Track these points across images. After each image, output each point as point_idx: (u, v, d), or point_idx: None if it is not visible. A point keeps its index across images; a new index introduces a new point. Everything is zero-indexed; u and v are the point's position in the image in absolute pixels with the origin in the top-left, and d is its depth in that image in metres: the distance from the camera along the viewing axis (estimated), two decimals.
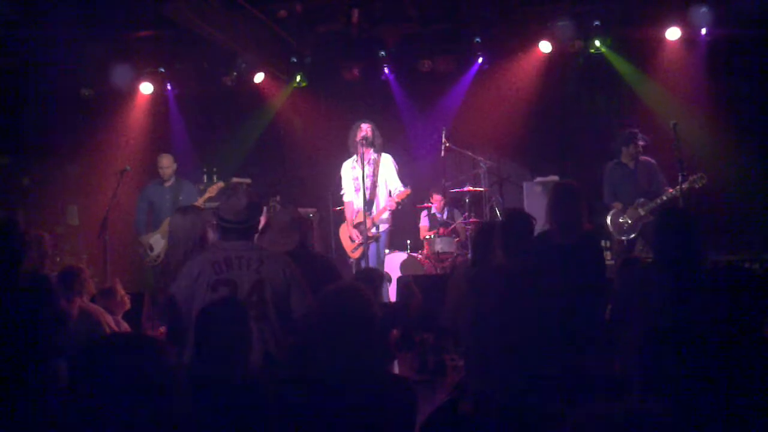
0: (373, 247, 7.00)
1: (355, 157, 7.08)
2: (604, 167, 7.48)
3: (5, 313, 3.31)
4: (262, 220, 4.77)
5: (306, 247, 4.66)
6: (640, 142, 7.21)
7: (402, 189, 7.11)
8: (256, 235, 4.13)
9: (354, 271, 6.92)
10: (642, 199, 7.14)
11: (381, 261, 7.21)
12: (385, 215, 7.15)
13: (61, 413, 2.48)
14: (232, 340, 2.87)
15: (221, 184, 7.95)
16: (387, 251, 8.13)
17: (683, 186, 6.80)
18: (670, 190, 6.98)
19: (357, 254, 7.17)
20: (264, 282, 3.61)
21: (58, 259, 8.55)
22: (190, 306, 3.58)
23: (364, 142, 6.94)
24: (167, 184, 8.02)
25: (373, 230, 7.00)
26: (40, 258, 4.69)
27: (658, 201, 7.03)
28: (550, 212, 4.51)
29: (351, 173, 7.15)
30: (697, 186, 6.89)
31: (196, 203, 7.65)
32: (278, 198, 8.95)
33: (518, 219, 4.50)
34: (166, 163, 7.98)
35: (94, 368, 1.98)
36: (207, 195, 7.77)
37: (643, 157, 7.30)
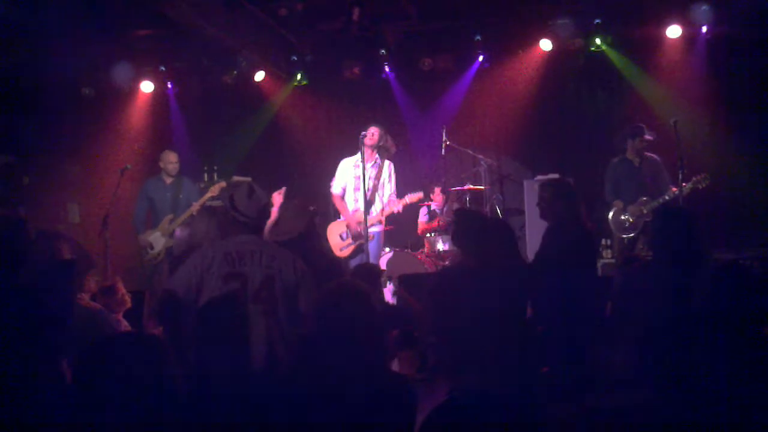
0: (371, 246, 7.00)
1: (358, 156, 7.09)
2: (609, 163, 7.47)
3: (8, 311, 3.31)
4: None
5: (311, 239, 4.72)
6: (646, 136, 7.18)
7: (392, 192, 7.21)
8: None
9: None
10: (645, 198, 7.12)
11: (377, 260, 7.23)
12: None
13: (64, 412, 2.49)
14: (231, 337, 2.88)
15: (223, 183, 7.94)
16: (387, 249, 8.14)
17: (685, 186, 6.79)
18: (674, 189, 6.95)
19: (346, 253, 7.16)
20: (274, 277, 3.62)
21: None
22: (192, 297, 3.57)
23: (375, 147, 7.03)
24: (168, 182, 8.02)
25: (370, 230, 7.04)
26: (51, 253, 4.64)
27: (661, 200, 7.01)
28: (544, 211, 4.55)
29: (352, 171, 7.16)
30: (700, 187, 6.88)
31: (196, 203, 7.65)
32: None
33: (465, 218, 4.49)
34: (175, 159, 8.01)
35: (95, 367, 1.99)
36: (209, 194, 7.75)
37: (648, 154, 7.27)
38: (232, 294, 3.42)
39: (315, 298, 3.58)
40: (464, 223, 4.29)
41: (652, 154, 7.31)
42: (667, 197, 6.99)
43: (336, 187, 7.31)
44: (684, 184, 6.80)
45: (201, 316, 3.00)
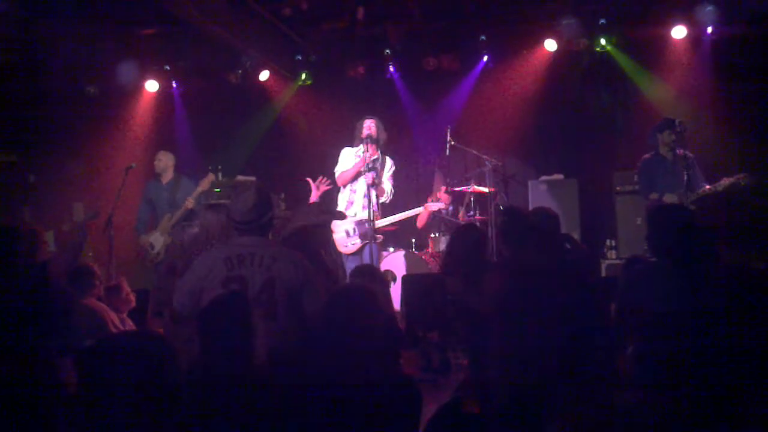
0: (374, 245, 7.00)
1: (361, 147, 7.09)
2: (641, 159, 7.34)
3: (11, 311, 3.32)
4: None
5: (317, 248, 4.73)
6: (677, 129, 7.04)
7: (389, 192, 7.23)
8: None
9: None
10: (681, 191, 6.89)
11: (379, 260, 7.23)
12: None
13: (68, 412, 2.49)
14: (234, 335, 2.87)
15: (212, 176, 7.96)
16: (391, 249, 8.14)
17: (726, 181, 6.65)
18: (708, 187, 6.80)
19: (351, 250, 7.13)
20: (275, 280, 3.59)
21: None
22: (197, 301, 3.58)
23: (368, 140, 6.98)
24: (165, 182, 8.04)
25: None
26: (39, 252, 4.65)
27: (696, 195, 6.80)
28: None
29: (354, 161, 7.16)
30: (742, 184, 6.68)
31: (190, 197, 7.67)
32: (283, 196, 8.95)
33: (518, 216, 4.51)
34: (163, 157, 8.06)
35: (100, 366, 1.99)
36: (199, 189, 7.75)
37: (680, 151, 7.09)
38: (228, 293, 3.38)
39: (321, 298, 3.58)
40: (517, 221, 4.28)
41: (685, 151, 7.13)
42: (700, 192, 6.78)
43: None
44: (725, 179, 6.66)
45: (200, 317, 2.99)
